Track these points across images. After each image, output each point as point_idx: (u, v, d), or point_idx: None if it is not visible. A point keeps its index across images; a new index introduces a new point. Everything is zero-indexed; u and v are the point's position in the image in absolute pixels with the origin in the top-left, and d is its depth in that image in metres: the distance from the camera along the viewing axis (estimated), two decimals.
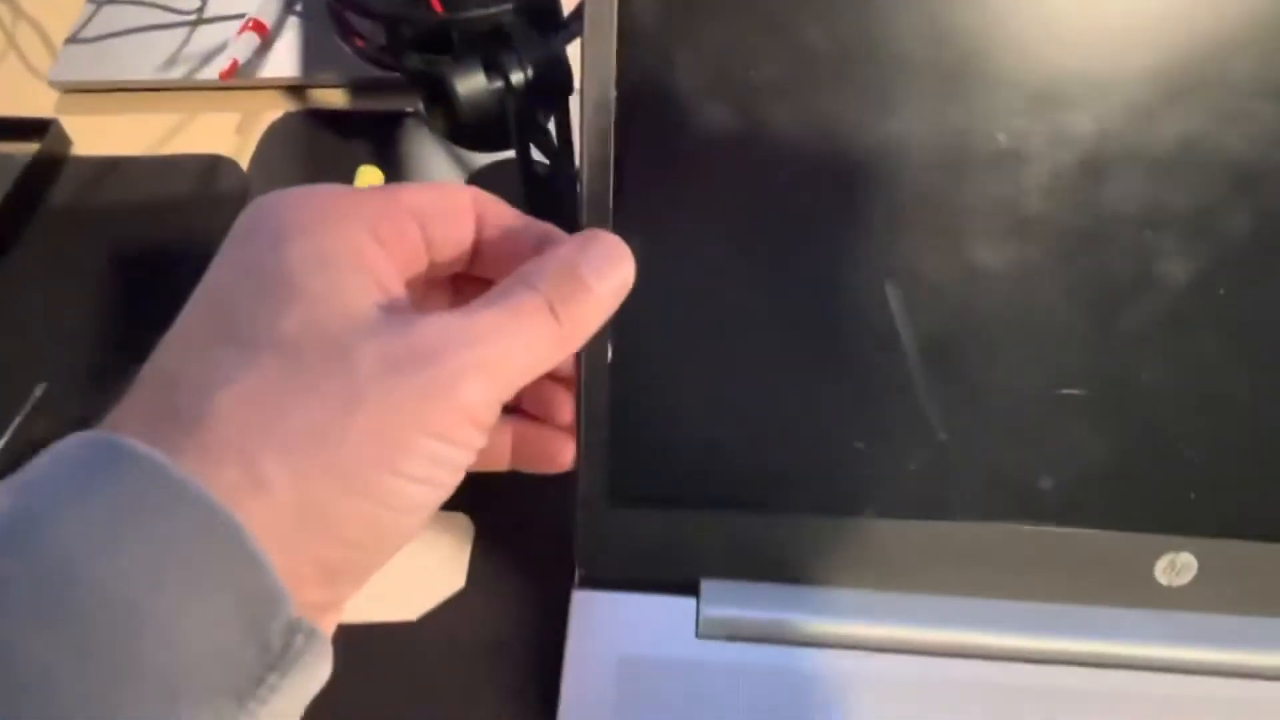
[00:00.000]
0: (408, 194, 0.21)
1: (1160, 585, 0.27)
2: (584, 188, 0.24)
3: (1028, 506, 0.26)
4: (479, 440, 0.19)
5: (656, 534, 0.27)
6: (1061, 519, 0.26)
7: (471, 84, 0.32)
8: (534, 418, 0.26)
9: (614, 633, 0.27)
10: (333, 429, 0.17)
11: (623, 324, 0.24)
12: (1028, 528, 0.26)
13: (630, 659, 0.26)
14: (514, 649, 0.28)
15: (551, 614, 0.28)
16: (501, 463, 0.25)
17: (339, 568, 0.18)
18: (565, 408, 0.25)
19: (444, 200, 0.22)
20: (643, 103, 0.24)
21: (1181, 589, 0.27)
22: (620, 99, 0.24)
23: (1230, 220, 0.24)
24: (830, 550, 0.27)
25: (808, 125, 0.24)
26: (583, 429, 0.26)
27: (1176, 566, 0.26)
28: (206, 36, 0.46)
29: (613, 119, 0.24)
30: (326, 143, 0.42)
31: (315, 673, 0.17)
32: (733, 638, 0.27)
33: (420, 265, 0.22)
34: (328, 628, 0.19)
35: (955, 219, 0.24)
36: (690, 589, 0.27)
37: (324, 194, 0.20)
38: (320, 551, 0.17)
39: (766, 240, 0.25)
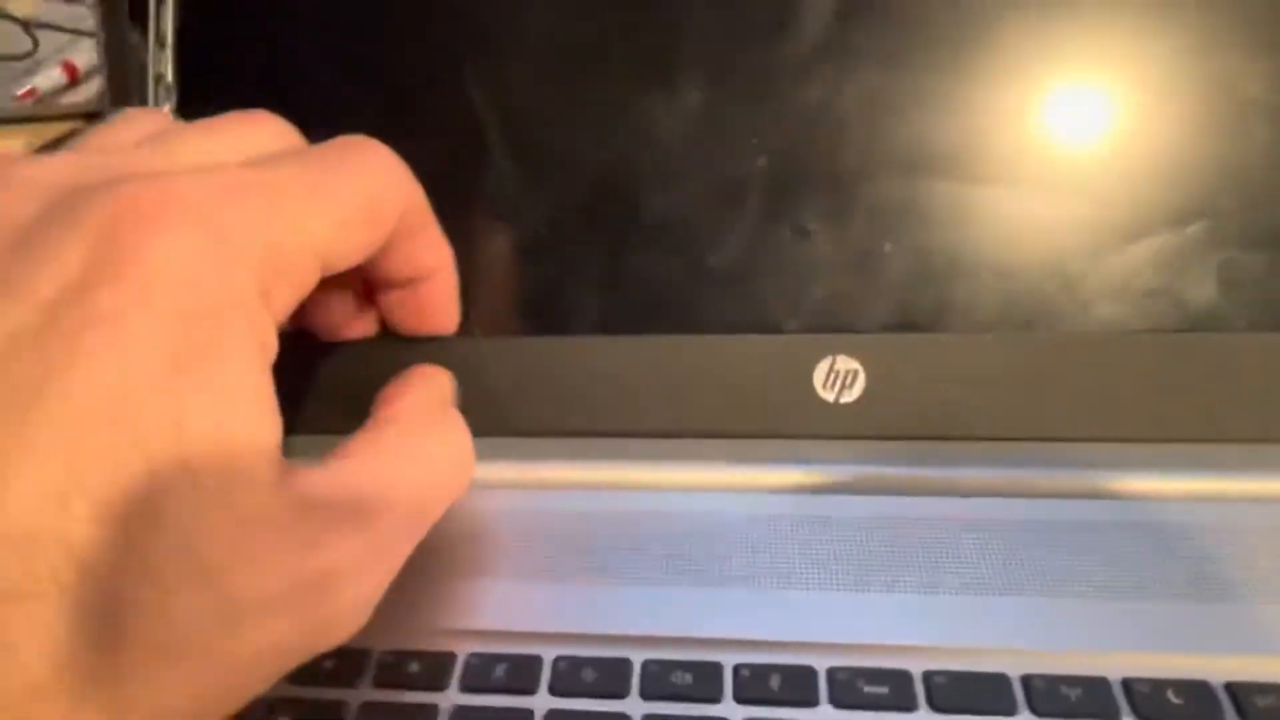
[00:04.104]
0: (318, 209, 0.17)
1: (826, 401, 0.22)
2: None
3: (651, 313, 0.23)
4: None
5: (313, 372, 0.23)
6: (697, 326, 0.22)
7: None
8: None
9: None
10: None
11: None
12: (658, 338, 0.22)
13: None
14: None
15: None
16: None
17: None
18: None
19: (361, 211, 0.18)
20: None
21: (851, 405, 0.22)
22: None
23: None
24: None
25: None
26: None
27: (840, 374, 0.22)
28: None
29: None
30: None
31: None
32: None
33: (300, 297, 0.17)
34: None
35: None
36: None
37: (211, 216, 0.15)
38: None
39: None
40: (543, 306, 0.23)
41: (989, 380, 0.21)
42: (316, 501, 0.15)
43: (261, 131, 0.18)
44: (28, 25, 0.50)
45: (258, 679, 0.15)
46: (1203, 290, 0.21)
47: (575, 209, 0.23)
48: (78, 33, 0.50)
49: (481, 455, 0.21)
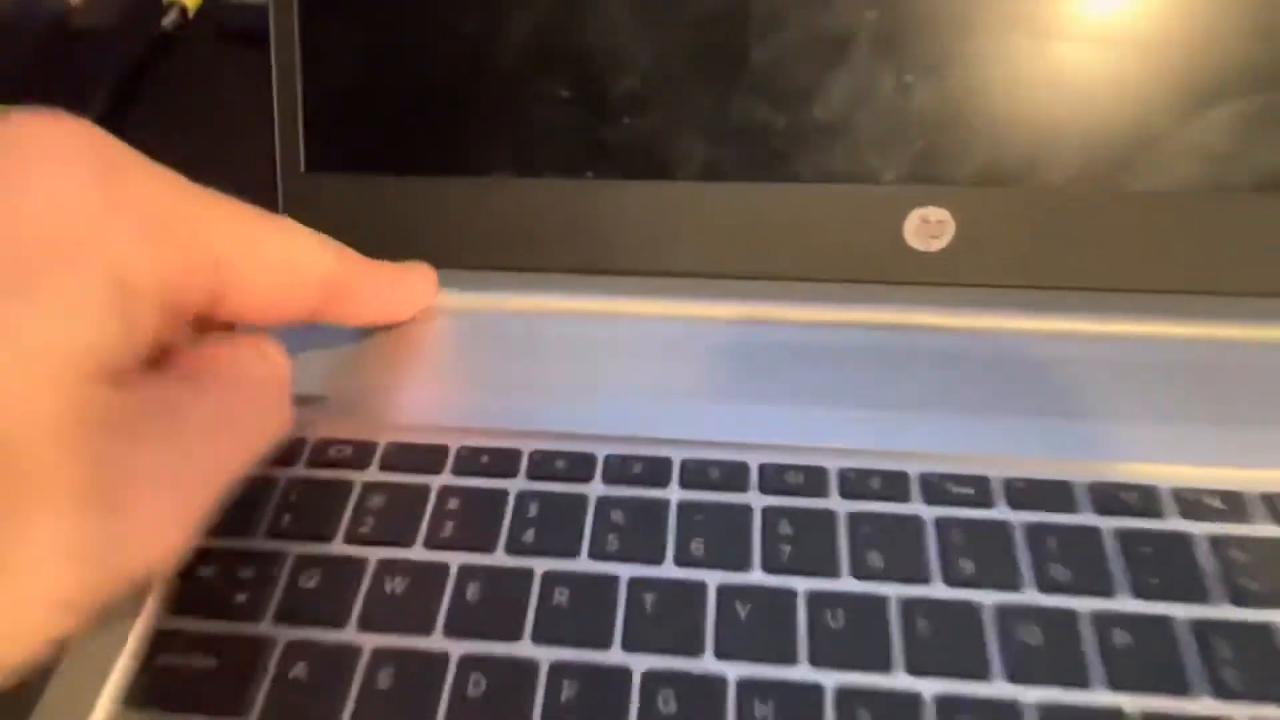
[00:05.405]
0: (206, 217, 0.17)
1: (915, 250, 0.24)
2: None
3: (749, 160, 0.24)
4: None
5: (358, 206, 0.25)
6: (790, 173, 0.24)
7: None
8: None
9: None
10: None
11: None
12: (755, 185, 0.24)
13: None
14: None
15: None
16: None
17: None
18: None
19: (262, 251, 0.18)
20: None
21: (940, 254, 0.24)
22: None
23: None
24: (539, 217, 0.25)
25: None
26: (276, 96, 0.24)
27: (930, 225, 0.24)
28: None
29: None
30: None
31: None
32: None
33: (178, 323, 0.17)
34: None
35: None
36: None
37: (96, 181, 0.15)
38: None
39: None
40: (652, 153, 0.25)
41: (1070, 232, 0.23)
42: (125, 406, 0.15)
43: None
44: None
45: (41, 593, 0.14)
46: (1272, 153, 0.23)
47: (684, 59, 0.24)
48: None
49: (607, 290, 0.24)
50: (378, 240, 0.25)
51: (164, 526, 0.15)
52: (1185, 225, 0.24)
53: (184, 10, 0.39)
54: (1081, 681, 0.17)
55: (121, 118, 0.36)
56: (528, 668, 0.18)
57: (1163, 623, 0.18)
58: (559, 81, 0.24)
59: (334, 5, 0.25)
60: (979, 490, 0.20)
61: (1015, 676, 0.17)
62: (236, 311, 0.18)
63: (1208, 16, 0.23)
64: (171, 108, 0.36)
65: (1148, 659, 0.17)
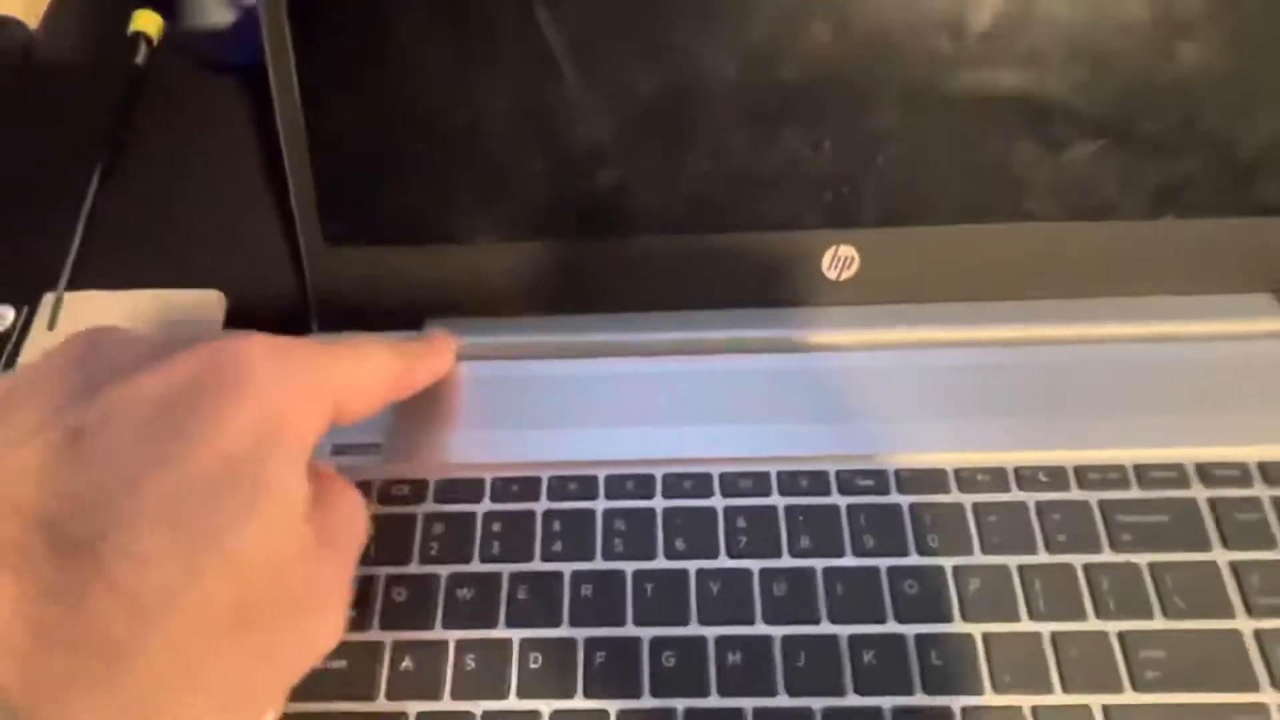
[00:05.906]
0: (333, 373, 0.22)
1: (829, 280, 0.30)
2: None
3: (695, 216, 0.30)
4: None
5: (374, 272, 0.30)
6: (729, 223, 0.30)
7: None
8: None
9: None
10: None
11: (312, 60, 0.28)
12: (697, 236, 0.30)
13: None
14: None
15: None
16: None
17: None
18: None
19: (363, 377, 0.23)
20: None
21: (849, 281, 0.30)
22: None
23: None
24: (534, 275, 0.30)
25: None
26: (291, 174, 0.29)
27: (841, 259, 0.30)
28: None
29: None
30: None
31: None
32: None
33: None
34: None
35: None
36: (418, 325, 0.31)
37: (283, 394, 0.20)
38: None
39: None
40: (623, 213, 0.30)
41: (951, 260, 0.30)
42: (315, 535, 0.21)
43: None
44: None
45: (266, 686, 0.20)
46: (1105, 189, 0.29)
47: (638, 136, 0.29)
48: None
49: (590, 330, 0.30)
50: (395, 299, 0.30)
51: (342, 619, 0.22)
52: (1039, 248, 0.30)
53: (150, 41, 0.41)
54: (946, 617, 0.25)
55: (116, 161, 0.38)
56: (569, 644, 0.25)
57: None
58: (533, 159, 0.29)
59: (335, 93, 0.29)
60: (878, 481, 0.27)
61: (902, 618, 0.25)
62: (339, 424, 0.23)
63: (1054, 82, 0.28)
64: (161, 148, 0.39)
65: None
